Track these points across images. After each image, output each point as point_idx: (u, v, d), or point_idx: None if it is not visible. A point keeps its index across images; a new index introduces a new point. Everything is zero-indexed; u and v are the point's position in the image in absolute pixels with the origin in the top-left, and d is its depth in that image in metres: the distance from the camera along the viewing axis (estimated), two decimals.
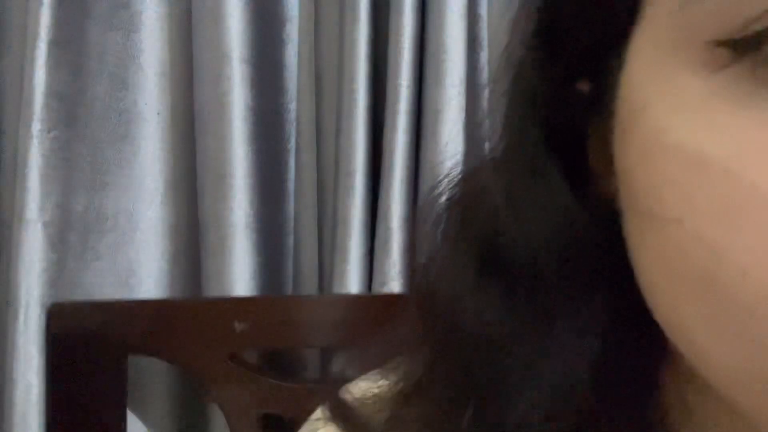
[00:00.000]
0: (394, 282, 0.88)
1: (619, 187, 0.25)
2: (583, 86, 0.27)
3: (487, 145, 0.31)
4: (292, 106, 0.95)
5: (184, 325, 0.84)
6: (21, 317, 0.85)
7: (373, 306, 0.85)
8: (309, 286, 0.95)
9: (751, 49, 0.20)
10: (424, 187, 0.89)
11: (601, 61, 0.25)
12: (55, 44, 0.86)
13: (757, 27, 0.20)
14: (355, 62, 0.89)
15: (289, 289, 0.95)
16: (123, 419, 0.86)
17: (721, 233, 0.21)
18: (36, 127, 0.85)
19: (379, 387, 0.33)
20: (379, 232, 0.89)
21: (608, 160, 0.26)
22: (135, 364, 0.87)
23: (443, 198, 0.32)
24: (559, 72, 0.27)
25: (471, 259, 0.29)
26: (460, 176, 0.32)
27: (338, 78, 0.91)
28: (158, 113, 0.93)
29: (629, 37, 0.24)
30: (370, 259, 0.90)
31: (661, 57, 0.23)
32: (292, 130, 0.95)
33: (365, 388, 0.33)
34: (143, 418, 0.94)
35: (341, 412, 0.33)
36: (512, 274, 0.28)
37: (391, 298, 0.86)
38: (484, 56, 0.93)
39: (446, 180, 0.32)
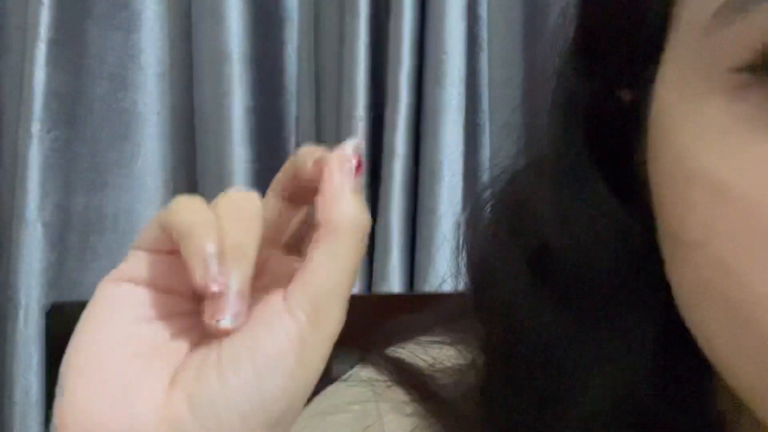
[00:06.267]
0: (393, 281, 0.88)
1: (654, 205, 0.25)
2: (624, 95, 0.27)
3: (524, 148, 0.31)
4: (292, 106, 0.95)
5: None
6: (21, 317, 0.85)
7: (373, 306, 0.85)
8: None
9: None
10: (424, 186, 0.89)
11: (638, 72, 0.26)
12: (55, 44, 0.86)
13: None
14: (355, 62, 0.89)
15: None
16: None
17: (741, 260, 0.21)
18: (36, 127, 0.85)
19: (447, 356, 0.33)
20: (379, 232, 0.89)
21: (647, 167, 0.26)
22: None
23: (490, 202, 0.32)
24: (598, 80, 0.27)
25: (522, 263, 0.29)
26: (504, 181, 0.32)
27: (338, 78, 0.91)
28: (158, 113, 0.93)
29: (661, 53, 0.24)
30: (370, 259, 0.90)
31: (687, 81, 0.23)
32: (292, 130, 0.95)
33: (438, 354, 0.33)
34: None
35: (413, 379, 0.33)
36: (564, 280, 0.28)
37: (391, 298, 0.86)
38: (484, 56, 0.93)
39: (492, 184, 0.33)
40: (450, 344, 0.34)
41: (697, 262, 0.23)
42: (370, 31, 0.90)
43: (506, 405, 0.30)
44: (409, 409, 0.32)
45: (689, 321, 0.25)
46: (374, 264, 0.89)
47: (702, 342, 0.25)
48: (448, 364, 0.33)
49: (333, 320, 0.26)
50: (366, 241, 0.28)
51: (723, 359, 0.24)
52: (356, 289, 0.88)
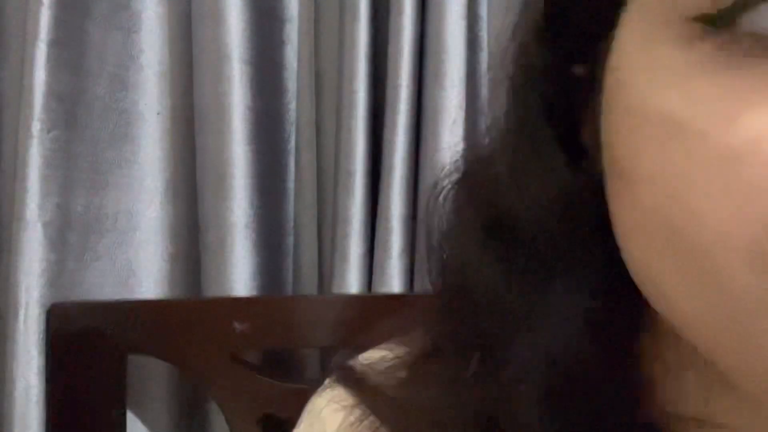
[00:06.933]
0: (393, 282, 0.88)
1: (604, 154, 0.27)
2: (579, 68, 0.29)
3: (489, 124, 0.33)
4: (292, 106, 0.95)
5: (184, 325, 0.84)
6: (21, 317, 0.85)
7: (373, 306, 0.85)
8: (309, 286, 0.95)
9: (722, 25, 0.22)
10: (424, 186, 0.89)
11: (596, 43, 0.28)
12: (55, 44, 0.86)
13: (725, 3, 0.22)
14: (355, 62, 0.89)
15: (289, 289, 0.95)
16: (123, 419, 0.86)
17: (688, 188, 0.22)
18: (36, 127, 0.85)
19: (390, 354, 0.35)
20: (379, 232, 0.89)
21: (597, 134, 0.28)
22: (135, 364, 0.88)
23: (453, 173, 0.34)
24: (559, 52, 0.29)
25: (477, 224, 0.31)
26: (467, 152, 0.34)
27: (338, 78, 0.91)
28: (158, 113, 0.93)
29: (620, 18, 0.26)
30: (370, 259, 0.90)
31: (646, 31, 0.25)
32: (292, 130, 0.95)
33: (376, 356, 0.35)
34: (143, 418, 0.94)
35: (350, 376, 0.35)
36: (514, 237, 0.30)
37: (391, 298, 0.86)
38: (484, 56, 0.93)
39: (456, 159, 0.35)
40: (384, 347, 0.36)
41: (646, 194, 0.24)
42: (370, 31, 0.90)
43: (454, 362, 0.31)
44: (346, 402, 0.34)
45: (633, 260, 0.26)
46: (374, 264, 0.89)
47: (645, 282, 0.26)
48: (383, 360, 0.35)
49: None
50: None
51: (666, 294, 0.25)
52: (356, 289, 0.88)
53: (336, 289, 0.89)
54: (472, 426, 0.30)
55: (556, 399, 0.29)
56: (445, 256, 0.33)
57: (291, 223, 0.95)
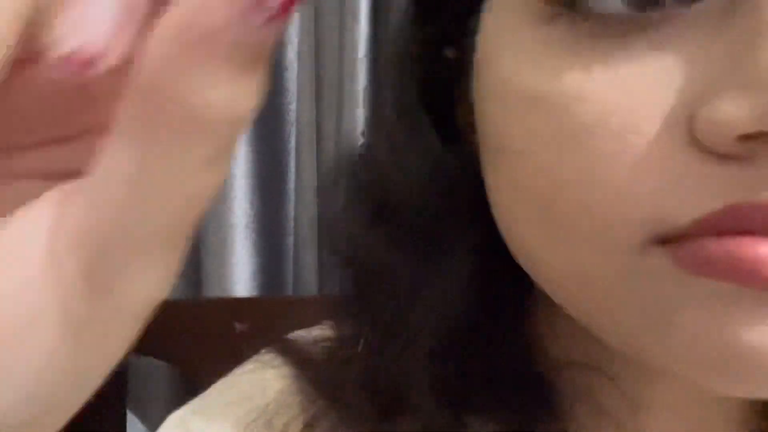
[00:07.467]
0: None
1: (477, 132, 0.28)
2: (451, 51, 0.31)
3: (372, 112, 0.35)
4: (292, 106, 0.95)
5: (184, 325, 0.85)
6: None
7: None
8: (309, 286, 0.95)
9: (568, 6, 0.24)
10: None
11: (464, 25, 0.29)
12: None
13: None
14: (355, 62, 0.89)
15: (289, 289, 0.95)
16: (123, 419, 0.86)
17: (551, 157, 0.24)
18: None
19: (324, 334, 0.37)
20: None
21: (470, 114, 0.29)
22: (135, 364, 0.88)
23: (344, 162, 0.36)
24: (431, 36, 0.31)
25: (365, 208, 0.33)
26: (359, 141, 0.36)
27: (338, 78, 0.91)
28: None
29: (484, 0, 0.28)
30: None
31: (508, 12, 0.26)
32: (292, 130, 0.95)
33: (318, 334, 0.37)
34: (143, 418, 0.94)
35: (294, 351, 0.36)
36: (399, 217, 0.32)
37: None
38: None
39: (347, 148, 0.37)
40: (328, 327, 0.37)
41: (517, 168, 0.26)
42: (371, 31, 0.90)
43: (362, 350, 0.32)
44: (286, 371, 0.36)
45: (508, 232, 0.28)
46: None
47: (519, 251, 0.28)
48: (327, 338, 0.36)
49: (137, 281, 0.16)
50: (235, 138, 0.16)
51: (535, 255, 0.27)
52: None
53: None
54: (375, 399, 0.32)
55: (445, 361, 0.30)
56: (339, 244, 0.34)
57: (291, 223, 0.95)
